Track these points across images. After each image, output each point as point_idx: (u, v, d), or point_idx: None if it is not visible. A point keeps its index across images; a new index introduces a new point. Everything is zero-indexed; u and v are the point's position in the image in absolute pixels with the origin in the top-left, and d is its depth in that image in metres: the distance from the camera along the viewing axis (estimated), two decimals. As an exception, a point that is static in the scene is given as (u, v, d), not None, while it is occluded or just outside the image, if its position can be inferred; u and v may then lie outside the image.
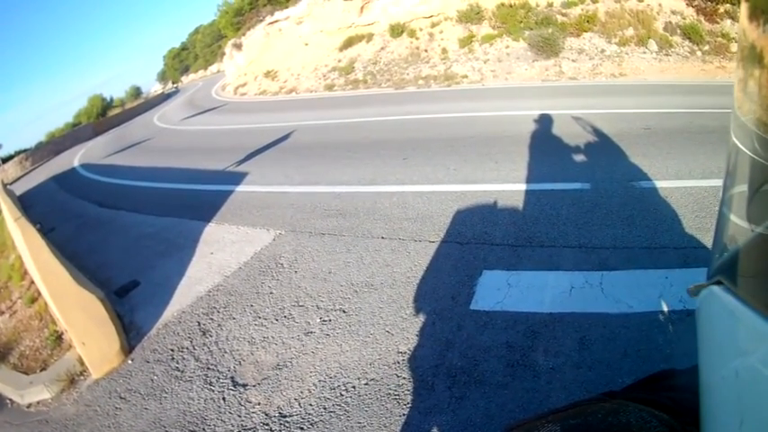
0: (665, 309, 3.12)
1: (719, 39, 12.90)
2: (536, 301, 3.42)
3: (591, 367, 2.73)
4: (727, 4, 13.29)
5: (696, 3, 13.82)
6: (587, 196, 4.92)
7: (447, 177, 6.25)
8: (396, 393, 2.85)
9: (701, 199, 4.52)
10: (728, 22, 13.13)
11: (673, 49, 13.01)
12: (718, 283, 0.50)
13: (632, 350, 2.80)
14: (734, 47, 12.41)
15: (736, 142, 0.51)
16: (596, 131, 7.10)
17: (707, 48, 12.82)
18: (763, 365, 0.42)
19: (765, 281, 0.43)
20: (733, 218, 0.50)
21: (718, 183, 3.68)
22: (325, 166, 7.87)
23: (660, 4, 14.08)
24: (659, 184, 4.97)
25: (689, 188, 4.79)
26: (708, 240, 3.80)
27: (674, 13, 13.88)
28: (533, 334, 3.11)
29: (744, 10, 0.54)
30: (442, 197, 5.62)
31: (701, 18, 13.54)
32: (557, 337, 3.04)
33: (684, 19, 13.64)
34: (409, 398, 2.79)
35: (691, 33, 13.12)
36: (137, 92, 64.88)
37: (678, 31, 13.44)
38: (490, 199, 5.24)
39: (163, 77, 75.38)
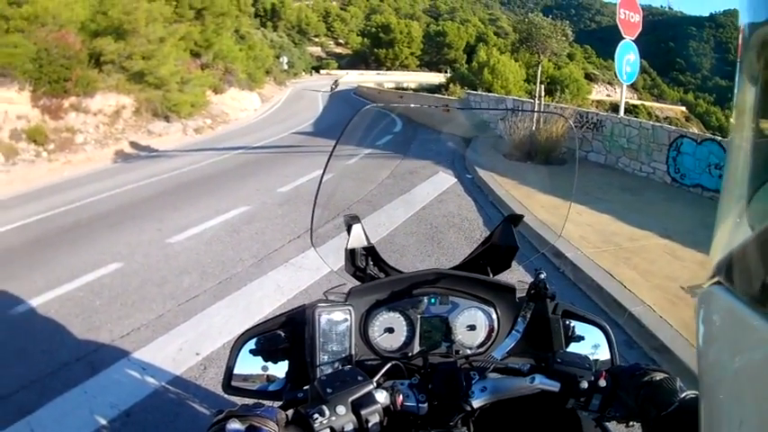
0: None
1: (65, 134, 12.98)
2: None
3: None
4: (72, 97, 13.44)
5: (42, 102, 13.40)
6: None
7: None
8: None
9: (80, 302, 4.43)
10: (73, 115, 13.37)
11: (19, 157, 12.13)
12: (718, 283, 0.50)
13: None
14: (79, 137, 12.79)
15: (736, 140, 0.51)
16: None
17: (52, 146, 12.70)
18: (763, 366, 0.42)
19: (765, 281, 0.42)
20: (732, 217, 0.50)
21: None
22: None
23: (6, 111, 12.74)
24: (34, 301, 4.50)
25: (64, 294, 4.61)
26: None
27: (19, 118, 13.00)
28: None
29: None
30: None
31: (47, 117, 13.31)
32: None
33: (30, 122, 13.07)
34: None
35: (36, 135, 12.69)
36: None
37: (23, 136, 12.71)
38: None
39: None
